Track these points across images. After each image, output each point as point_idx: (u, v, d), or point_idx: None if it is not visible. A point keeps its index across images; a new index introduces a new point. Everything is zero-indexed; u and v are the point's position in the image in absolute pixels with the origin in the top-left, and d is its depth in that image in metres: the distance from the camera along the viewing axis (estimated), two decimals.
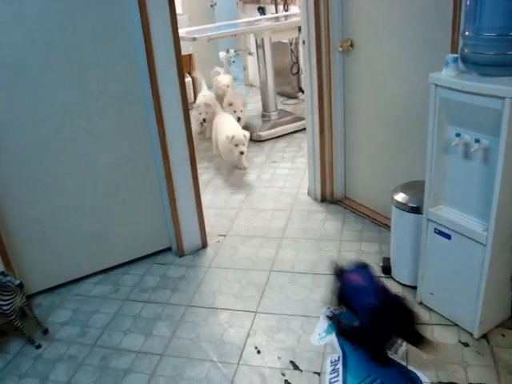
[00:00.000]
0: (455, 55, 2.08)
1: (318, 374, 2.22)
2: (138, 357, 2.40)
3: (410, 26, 2.69)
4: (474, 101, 1.97)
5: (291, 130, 5.22)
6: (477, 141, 2.03)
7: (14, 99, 2.53)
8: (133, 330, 2.58)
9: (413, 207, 2.52)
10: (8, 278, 2.37)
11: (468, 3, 2.01)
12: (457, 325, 2.39)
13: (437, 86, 2.10)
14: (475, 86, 1.95)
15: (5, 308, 2.40)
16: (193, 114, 5.17)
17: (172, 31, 2.70)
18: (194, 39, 4.55)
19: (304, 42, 3.33)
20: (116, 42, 2.67)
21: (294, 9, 6.03)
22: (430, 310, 2.50)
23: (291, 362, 2.29)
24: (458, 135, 2.10)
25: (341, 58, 3.24)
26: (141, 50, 2.68)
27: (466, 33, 2.02)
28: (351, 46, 3.12)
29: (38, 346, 2.52)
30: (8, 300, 2.41)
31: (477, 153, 2.06)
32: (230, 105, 5.00)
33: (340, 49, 3.17)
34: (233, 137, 4.23)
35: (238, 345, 2.42)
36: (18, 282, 2.38)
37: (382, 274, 2.80)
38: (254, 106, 6.26)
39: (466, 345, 2.28)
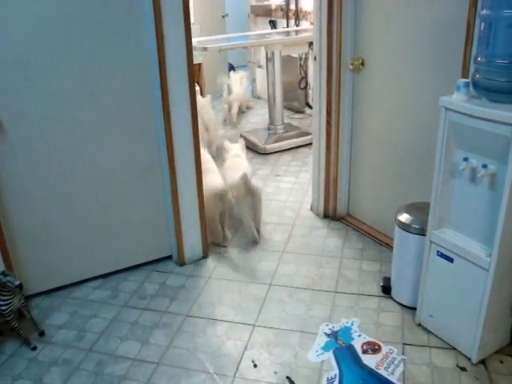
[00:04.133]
0: (466, 80, 2.10)
1: None
2: (134, 364, 2.39)
3: (422, 48, 2.71)
4: (483, 126, 1.98)
5: (296, 145, 5.24)
6: (484, 166, 2.03)
7: (25, 101, 2.53)
8: (130, 336, 2.57)
9: (416, 228, 2.52)
10: (8, 278, 2.37)
11: (482, 30, 2.03)
12: (455, 349, 2.38)
13: (447, 109, 2.11)
14: (485, 111, 1.96)
15: (3, 308, 2.40)
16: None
17: (185, 42, 2.72)
18: (205, 49, 4.58)
19: (315, 58, 3.35)
20: (129, 50, 2.68)
21: (305, 24, 6.08)
22: (429, 332, 2.49)
23: (287, 378, 2.28)
24: (465, 159, 2.10)
25: (351, 75, 3.25)
26: (153, 59, 2.70)
27: (479, 58, 2.03)
28: (362, 64, 3.14)
29: (34, 348, 2.51)
30: (6, 300, 2.41)
31: (483, 178, 2.06)
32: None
33: (351, 66, 3.19)
34: None
35: (234, 357, 2.41)
36: (18, 282, 2.38)
37: (382, 294, 2.80)
38: (260, 118, 6.29)
39: (463, 369, 2.27)
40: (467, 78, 2.28)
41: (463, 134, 2.10)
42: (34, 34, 2.46)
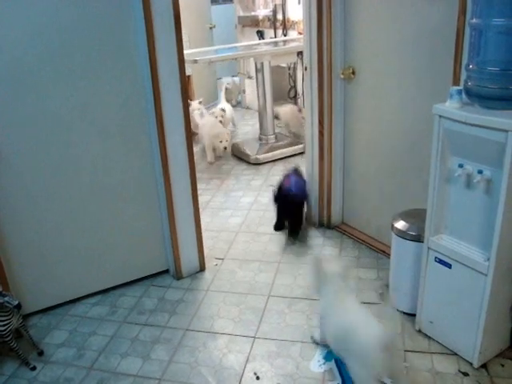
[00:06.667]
0: (459, 87, 2.12)
1: None
2: (136, 381, 2.37)
3: (413, 57, 2.73)
4: (477, 133, 2.00)
5: (288, 154, 5.24)
6: (479, 172, 2.05)
7: (16, 117, 2.52)
8: (130, 353, 2.56)
9: (413, 235, 2.53)
10: (6, 299, 2.35)
11: (472, 38, 2.05)
12: (456, 354, 2.39)
13: (441, 117, 2.13)
14: (479, 118, 1.98)
15: (1, 329, 2.38)
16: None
17: (177, 55, 2.73)
18: (196, 62, 4.58)
19: (306, 68, 3.37)
20: (121, 62, 2.69)
21: (292, 34, 6.12)
22: (430, 338, 2.50)
23: None
24: (460, 166, 2.12)
25: (342, 85, 3.28)
26: (146, 72, 2.70)
27: (470, 66, 2.06)
28: (353, 73, 3.16)
29: (33, 368, 2.48)
30: (5, 321, 2.38)
31: (479, 184, 2.08)
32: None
33: (341, 76, 3.21)
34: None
35: (236, 370, 2.40)
36: (16, 302, 2.36)
37: (381, 301, 2.80)
38: (250, 129, 6.29)
39: (465, 374, 2.28)
40: (458, 85, 2.31)
41: (458, 140, 2.12)
42: (27, 51, 2.45)
